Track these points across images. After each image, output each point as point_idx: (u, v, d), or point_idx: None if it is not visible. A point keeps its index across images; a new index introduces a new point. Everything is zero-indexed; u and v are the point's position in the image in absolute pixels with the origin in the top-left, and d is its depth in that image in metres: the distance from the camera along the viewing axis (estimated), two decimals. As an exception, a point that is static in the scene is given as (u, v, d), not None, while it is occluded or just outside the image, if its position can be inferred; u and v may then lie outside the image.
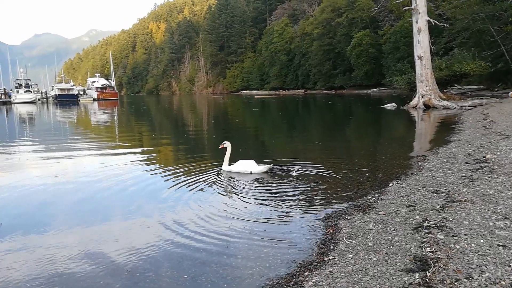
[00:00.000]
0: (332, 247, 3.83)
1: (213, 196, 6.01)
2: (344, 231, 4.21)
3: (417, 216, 4.41)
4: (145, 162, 9.22)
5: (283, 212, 5.15)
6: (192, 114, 30.85)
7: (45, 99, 78.60)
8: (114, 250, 4.12)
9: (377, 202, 5.17)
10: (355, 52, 56.92)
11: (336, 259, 3.51)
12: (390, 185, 6.08)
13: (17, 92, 72.17)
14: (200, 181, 6.94)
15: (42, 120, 30.05)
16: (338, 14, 63.84)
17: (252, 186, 6.57)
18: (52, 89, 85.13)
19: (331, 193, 5.90)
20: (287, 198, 5.79)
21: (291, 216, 4.97)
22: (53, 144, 13.93)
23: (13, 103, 67.17)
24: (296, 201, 5.60)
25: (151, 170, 8.20)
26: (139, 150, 11.86)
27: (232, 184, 6.69)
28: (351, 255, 3.56)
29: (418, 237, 3.80)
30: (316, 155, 9.23)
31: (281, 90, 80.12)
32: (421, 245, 3.59)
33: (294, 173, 7.26)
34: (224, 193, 6.16)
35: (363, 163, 8.16)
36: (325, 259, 3.56)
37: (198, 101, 59.80)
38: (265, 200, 5.73)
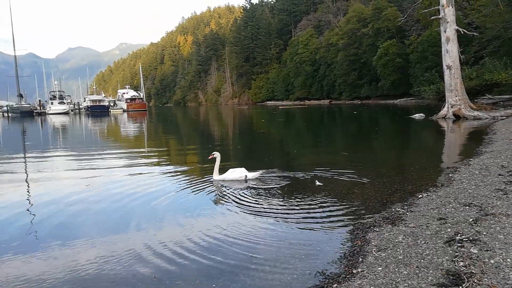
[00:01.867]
0: (360, 259, 3.79)
1: (238, 206, 6.04)
2: (373, 243, 4.16)
3: (449, 229, 4.30)
4: (172, 172, 9.37)
5: (309, 223, 5.14)
6: (218, 125, 31.22)
7: (77, 110, 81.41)
8: (142, 257, 4.21)
9: (407, 214, 5.08)
10: (382, 62, 56.35)
11: (365, 272, 3.47)
12: (419, 197, 5.96)
13: (52, 103, 75.20)
14: (225, 191, 7.01)
15: (74, 130, 31.13)
16: (364, 24, 63.55)
17: (276, 196, 6.58)
18: (84, 101, 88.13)
19: (358, 205, 5.83)
20: (312, 209, 5.77)
21: (318, 227, 4.94)
22: (85, 153, 14.41)
23: (47, 114, 69.95)
24: (322, 212, 5.57)
25: (177, 179, 8.33)
26: (166, 160, 12.09)
27: (256, 194, 6.71)
28: (380, 268, 3.51)
29: (451, 251, 3.71)
30: (342, 165, 9.15)
31: (306, 101, 79.95)
32: (454, 259, 3.51)
33: (318, 183, 7.23)
34: (248, 203, 6.17)
35: (391, 174, 8.03)
36: (354, 271, 3.53)
37: (224, 112, 60.45)
38: (290, 210, 5.73)
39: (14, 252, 4.53)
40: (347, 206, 5.79)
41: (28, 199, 7.21)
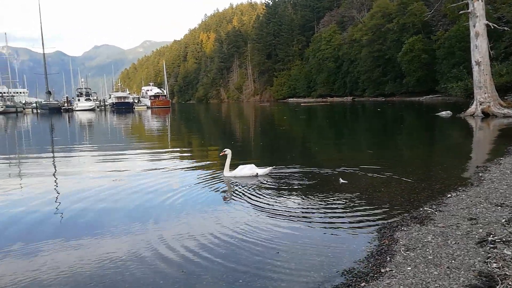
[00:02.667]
0: (388, 258, 3.73)
1: (261, 204, 6.02)
2: (401, 242, 4.08)
3: (480, 230, 4.18)
4: (194, 169, 9.47)
5: (334, 220, 5.09)
6: (239, 122, 31.31)
7: (103, 107, 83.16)
8: (170, 251, 4.27)
9: (435, 213, 4.97)
10: (407, 58, 55.15)
11: (393, 271, 3.42)
12: (448, 196, 5.82)
13: (78, 100, 77.13)
14: (246, 188, 7.03)
15: (100, 126, 31.86)
16: (389, 20, 62.34)
17: (299, 194, 6.55)
18: (110, 97, 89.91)
19: (384, 203, 5.73)
20: (337, 207, 5.71)
21: (343, 226, 4.89)
22: (111, 149, 14.74)
23: (74, 110, 71.83)
24: (347, 210, 5.50)
25: (199, 176, 8.38)
26: (188, 156, 12.24)
27: (279, 192, 6.70)
28: (409, 268, 3.45)
29: (483, 252, 3.61)
30: (367, 163, 9.02)
31: (328, 98, 79.23)
32: (486, 261, 3.41)
33: (342, 181, 7.16)
34: (272, 201, 6.16)
35: (418, 172, 7.86)
36: (382, 270, 3.48)
37: (245, 109, 60.59)
38: (314, 208, 5.69)
39: (43, 243, 4.68)
40: (373, 205, 5.71)
41: (57, 193, 7.42)
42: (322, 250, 4.16)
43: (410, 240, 4.11)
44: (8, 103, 76.34)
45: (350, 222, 5.00)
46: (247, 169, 7.97)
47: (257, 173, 7.95)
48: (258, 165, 8.24)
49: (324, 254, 4.04)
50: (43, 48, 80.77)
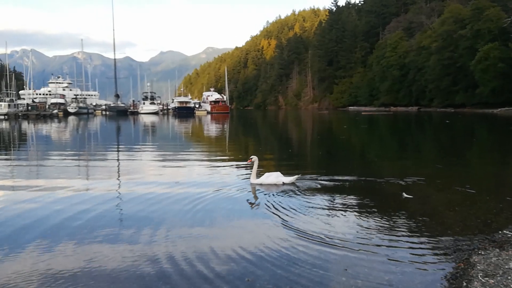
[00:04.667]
0: (464, 284, 3.46)
1: (327, 213, 5.90)
2: (478, 267, 3.77)
3: None
4: (250, 174, 9.55)
5: (401, 239, 4.80)
6: (297, 130, 31.15)
7: (166, 111, 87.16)
8: (230, 258, 4.30)
9: (517, 238, 4.54)
10: (481, 66, 51.47)
11: (471, 299, 3.16)
12: (531, 220, 5.30)
13: (144, 103, 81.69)
14: (306, 196, 6.91)
15: (163, 130, 33.38)
16: (461, 26, 58.67)
17: (361, 205, 6.32)
18: (172, 102, 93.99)
19: (457, 223, 5.35)
20: (401, 223, 5.41)
21: (413, 244, 4.61)
22: (173, 151, 15.37)
23: (139, 113, 76.11)
24: (413, 229, 5.18)
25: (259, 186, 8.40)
26: (245, 161, 12.34)
27: (339, 203, 6.51)
28: (489, 297, 3.17)
29: None
30: (435, 179, 8.49)
31: (391, 107, 76.28)
32: None
33: (406, 196, 6.77)
34: (338, 212, 6.00)
35: (494, 192, 7.28)
36: (458, 296, 3.23)
37: (303, 116, 60.21)
38: (381, 223, 5.44)
39: (100, 238, 4.97)
40: (443, 224, 5.35)
41: (118, 188, 7.83)
42: (389, 268, 3.97)
43: (489, 266, 3.78)
44: (81, 104, 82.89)
45: (420, 242, 4.70)
46: (273, 177, 8.01)
47: (283, 182, 7.92)
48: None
49: (394, 272, 3.85)
50: (114, 54, 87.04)
